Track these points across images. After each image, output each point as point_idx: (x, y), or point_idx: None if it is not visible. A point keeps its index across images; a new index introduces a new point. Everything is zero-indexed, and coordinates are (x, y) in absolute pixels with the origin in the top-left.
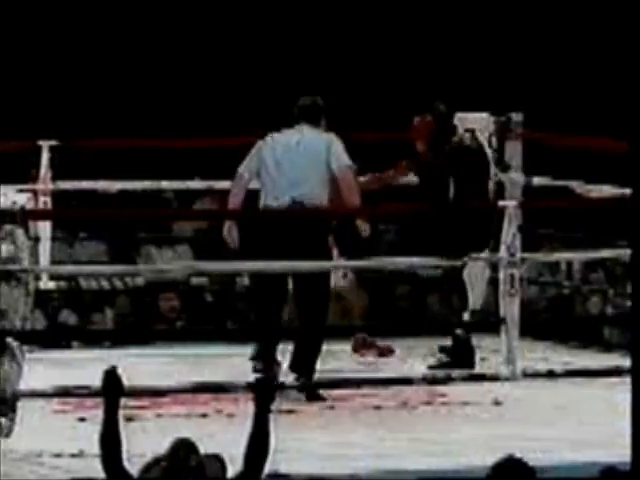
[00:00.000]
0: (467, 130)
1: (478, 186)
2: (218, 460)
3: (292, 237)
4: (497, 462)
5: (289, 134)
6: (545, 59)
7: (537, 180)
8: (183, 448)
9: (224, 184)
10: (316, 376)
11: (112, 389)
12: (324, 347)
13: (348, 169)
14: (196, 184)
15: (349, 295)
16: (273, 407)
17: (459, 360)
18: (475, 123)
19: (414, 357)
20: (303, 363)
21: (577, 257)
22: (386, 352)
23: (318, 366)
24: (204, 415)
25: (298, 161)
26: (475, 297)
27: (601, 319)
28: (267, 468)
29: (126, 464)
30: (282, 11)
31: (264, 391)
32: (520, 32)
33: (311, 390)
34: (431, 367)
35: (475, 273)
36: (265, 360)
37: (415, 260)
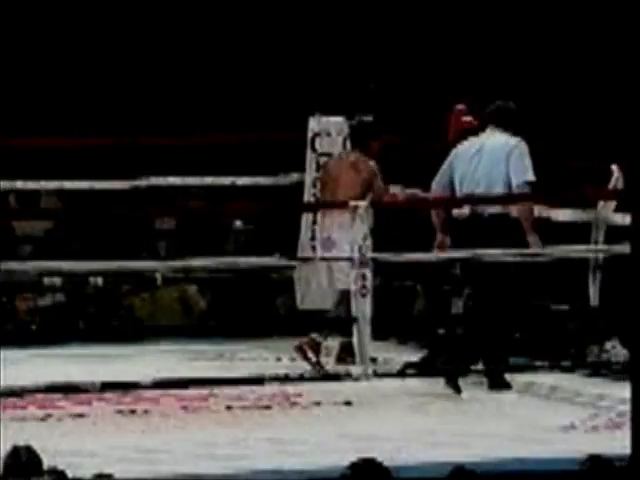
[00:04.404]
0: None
1: None
2: None
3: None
4: (352, 462)
5: (474, 142)
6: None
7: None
8: None
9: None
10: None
11: None
12: None
13: (524, 187)
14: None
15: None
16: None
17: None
18: (331, 126)
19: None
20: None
21: (425, 258)
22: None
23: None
24: (49, 415)
25: (476, 173)
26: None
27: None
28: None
29: None
30: (288, 12)
31: None
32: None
33: (498, 377)
34: (409, 364)
35: None
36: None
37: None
